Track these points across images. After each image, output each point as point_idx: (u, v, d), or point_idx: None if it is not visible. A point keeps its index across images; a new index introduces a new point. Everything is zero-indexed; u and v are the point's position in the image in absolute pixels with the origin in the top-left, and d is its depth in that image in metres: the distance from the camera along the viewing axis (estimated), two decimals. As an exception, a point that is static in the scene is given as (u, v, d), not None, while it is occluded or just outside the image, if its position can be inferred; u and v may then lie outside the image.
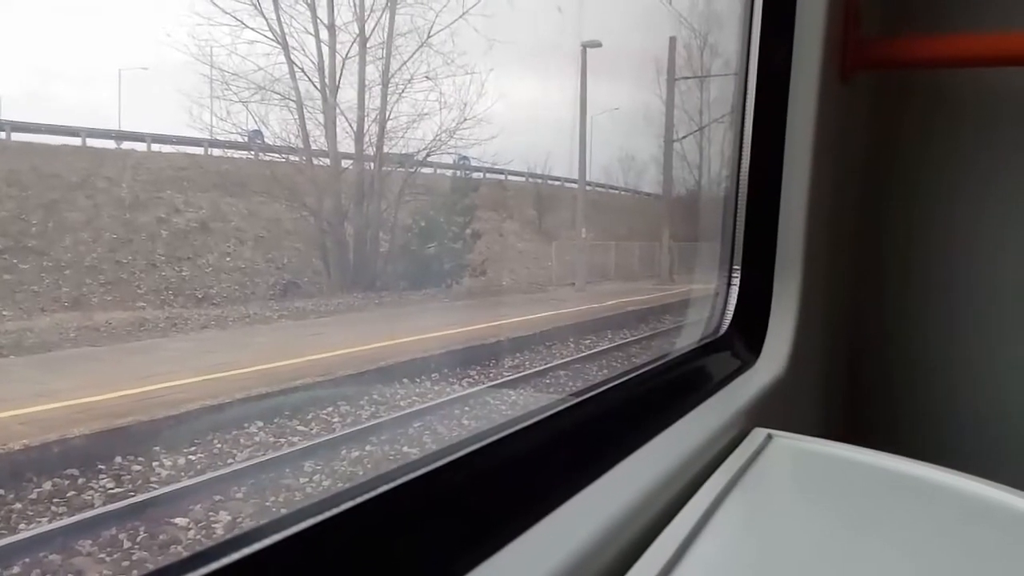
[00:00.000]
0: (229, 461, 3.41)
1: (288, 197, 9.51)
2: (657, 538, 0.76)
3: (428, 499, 0.71)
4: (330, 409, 4.28)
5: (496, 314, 8.66)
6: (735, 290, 1.62)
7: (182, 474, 3.19)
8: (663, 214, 14.95)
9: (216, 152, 9.66)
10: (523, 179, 17.18)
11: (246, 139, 9.65)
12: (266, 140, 9.58)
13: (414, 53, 9.77)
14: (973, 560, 0.85)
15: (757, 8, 1.54)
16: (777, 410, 1.34)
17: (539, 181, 16.50)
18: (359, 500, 0.63)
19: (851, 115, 1.81)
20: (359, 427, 4.04)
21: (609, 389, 1.13)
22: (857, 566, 0.81)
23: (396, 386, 4.86)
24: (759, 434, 1.13)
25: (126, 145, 10.38)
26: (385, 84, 9.87)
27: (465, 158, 17.09)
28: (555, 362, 6.68)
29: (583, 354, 7.20)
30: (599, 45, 12.10)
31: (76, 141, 9.84)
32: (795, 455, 1.14)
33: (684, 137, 13.01)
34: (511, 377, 5.82)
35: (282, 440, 3.76)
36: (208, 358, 4.92)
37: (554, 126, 15.50)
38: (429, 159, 11.00)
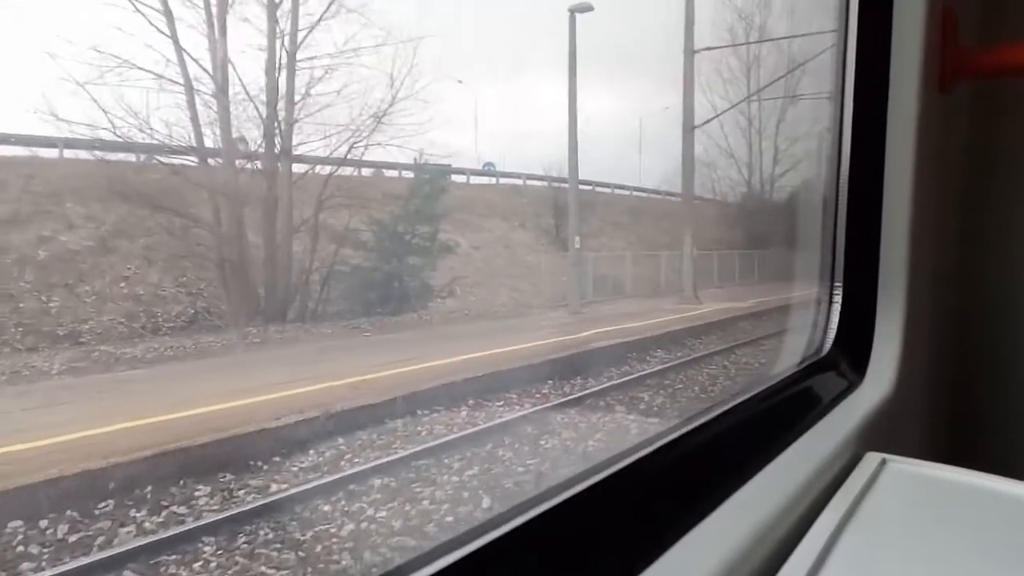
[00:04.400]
0: None
1: (175, 208, 7.55)
2: (777, 574, 0.75)
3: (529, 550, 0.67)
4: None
5: (423, 354, 6.40)
6: (836, 307, 1.60)
7: None
8: (686, 217, 12.32)
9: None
10: (520, 181, 15.09)
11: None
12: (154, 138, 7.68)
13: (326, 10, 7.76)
14: None
15: (852, 15, 1.52)
16: (886, 432, 1.34)
17: (556, 185, 14.33)
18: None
19: (951, 126, 1.75)
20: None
21: (716, 417, 1.12)
22: None
23: (137, 498, 2.92)
24: (873, 459, 1.13)
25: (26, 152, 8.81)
26: (292, 59, 7.81)
27: (490, 164, 15.06)
28: (447, 438, 4.40)
29: (502, 420, 4.87)
30: (591, 9, 9.83)
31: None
32: (913, 481, 1.11)
33: (705, 123, 10.54)
34: (350, 472, 3.63)
35: None
36: None
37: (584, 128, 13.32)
38: (366, 157, 8.85)
